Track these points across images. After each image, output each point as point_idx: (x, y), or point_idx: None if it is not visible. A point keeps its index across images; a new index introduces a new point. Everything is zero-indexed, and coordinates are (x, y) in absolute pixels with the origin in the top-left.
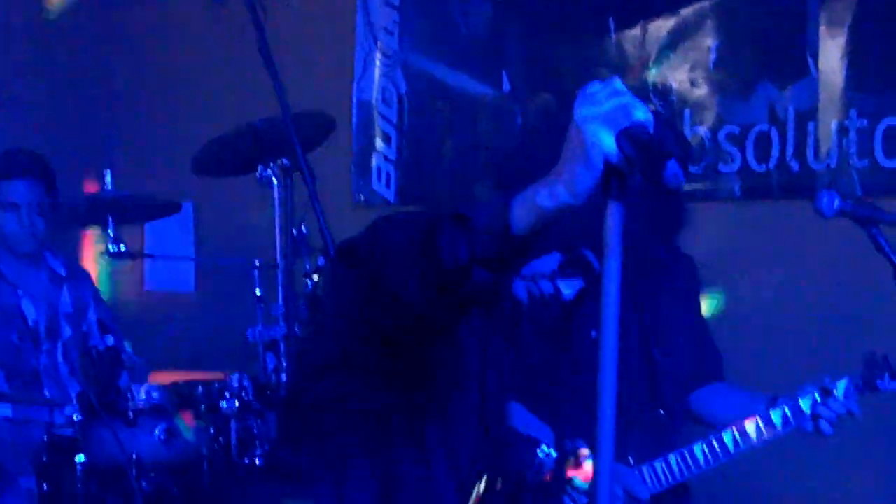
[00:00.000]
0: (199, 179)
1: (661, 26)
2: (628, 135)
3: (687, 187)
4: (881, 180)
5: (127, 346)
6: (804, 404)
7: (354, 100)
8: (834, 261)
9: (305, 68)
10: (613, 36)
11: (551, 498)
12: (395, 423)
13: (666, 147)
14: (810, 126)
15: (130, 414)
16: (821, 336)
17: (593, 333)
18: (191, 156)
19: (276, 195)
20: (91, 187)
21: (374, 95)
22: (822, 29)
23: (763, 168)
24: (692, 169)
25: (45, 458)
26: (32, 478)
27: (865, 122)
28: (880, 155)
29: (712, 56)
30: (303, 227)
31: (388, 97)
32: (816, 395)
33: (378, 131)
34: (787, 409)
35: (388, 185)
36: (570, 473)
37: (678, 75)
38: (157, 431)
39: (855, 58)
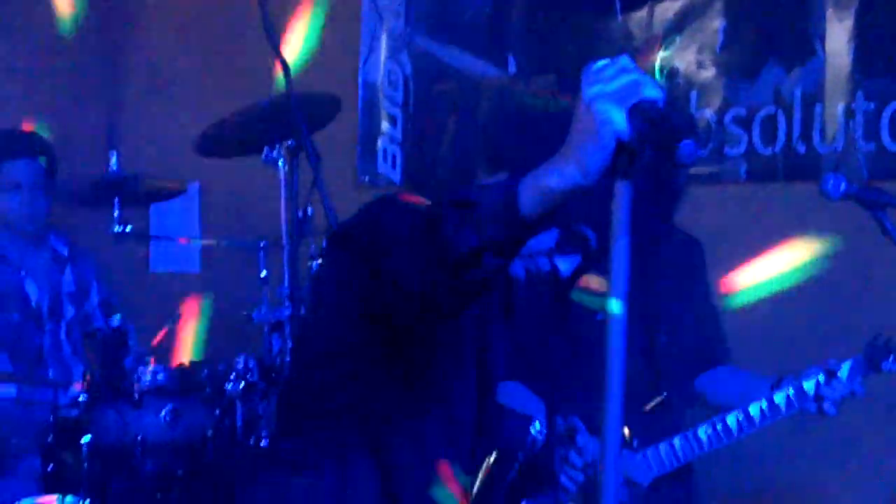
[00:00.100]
0: (205, 160)
1: (668, 8)
2: (640, 112)
3: (692, 170)
4: (887, 163)
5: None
6: (808, 386)
7: (360, 81)
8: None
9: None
10: (620, 17)
11: (546, 474)
12: (395, 408)
13: (680, 123)
14: (817, 109)
15: (136, 395)
16: (825, 318)
17: (599, 315)
18: (196, 137)
19: (281, 176)
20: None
21: (380, 77)
22: (829, 12)
23: (769, 151)
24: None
25: (50, 439)
26: (37, 458)
27: (872, 105)
28: (887, 138)
29: (719, 38)
30: (308, 209)
31: (394, 79)
32: (820, 376)
33: (384, 113)
34: (791, 391)
35: (393, 166)
36: (565, 449)
37: (685, 57)
38: (162, 413)
39: (862, 41)
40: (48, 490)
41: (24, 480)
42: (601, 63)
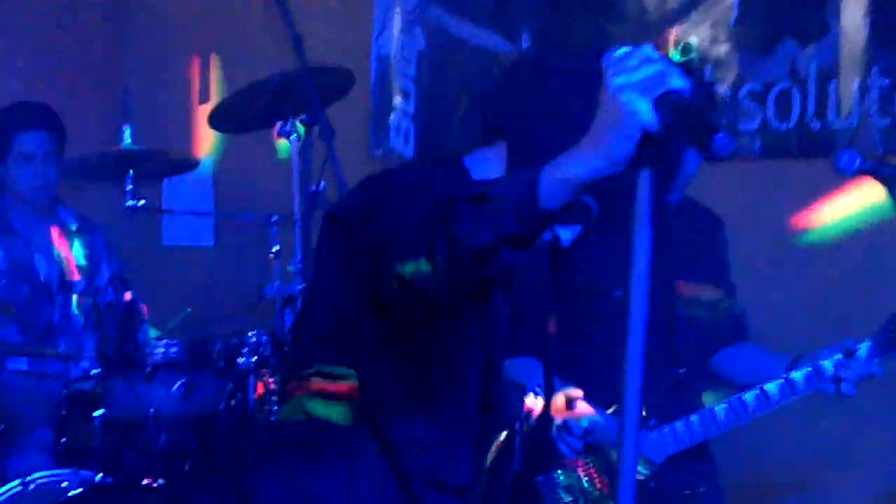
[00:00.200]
0: (219, 135)
1: None
2: (666, 103)
3: None
4: None
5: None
6: (827, 366)
7: (374, 55)
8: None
9: (324, 23)
10: None
11: (545, 443)
12: (399, 387)
13: (709, 115)
14: (832, 84)
15: (149, 369)
16: (840, 294)
17: (617, 293)
18: (209, 112)
19: (294, 150)
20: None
21: (394, 51)
22: None
23: (784, 127)
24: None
25: (63, 412)
26: (49, 430)
27: (887, 81)
28: None
29: (733, 13)
30: (321, 183)
31: (408, 53)
32: (839, 356)
33: (397, 87)
34: (809, 371)
35: (406, 140)
36: (563, 417)
37: (699, 32)
38: (175, 387)
39: (877, 16)
40: (61, 463)
41: (36, 454)
42: (623, 50)
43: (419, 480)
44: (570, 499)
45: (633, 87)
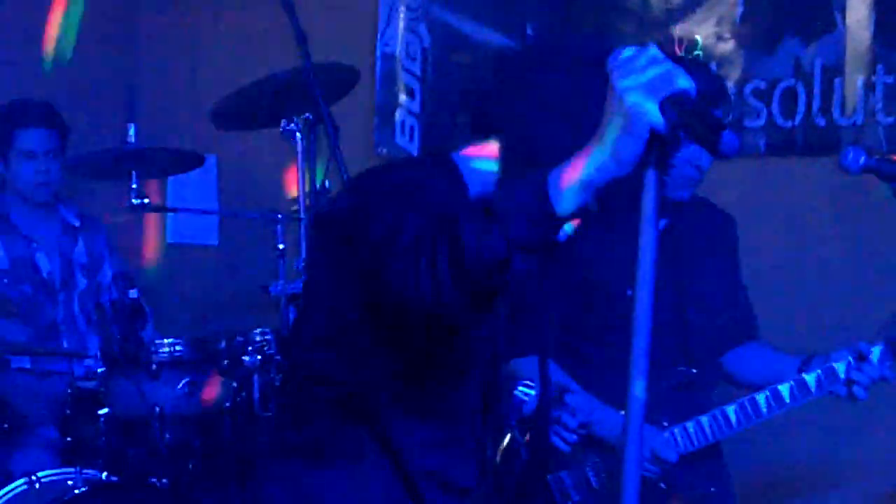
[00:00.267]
0: (223, 132)
1: None
2: (673, 103)
3: None
4: None
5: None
6: (839, 369)
7: (378, 52)
8: (859, 218)
9: (329, 20)
10: None
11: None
12: (401, 388)
13: (715, 114)
14: (837, 82)
15: (154, 367)
16: (845, 293)
17: (630, 292)
18: (213, 109)
19: (299, 148)
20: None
21: (398, 48)
22: None
23: (789, 124)
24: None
25: (68, 411)
26: (53, 429)
27: (892, 78)
28: None
29: (739, 10)
30: (325, 181)
31: (412, 50)
32: (851, 359)
33: (401, 84)
34: (821, 373)
35: (411, 138)
36: (556, 411)
37: (704, 29)
38: (179, 385)
39: (882, 13)
40: (65, 462)
41: (41, 452)
42: (628, 52)
43: (424, 481)
44: (579, 498)
45: (640, 88)
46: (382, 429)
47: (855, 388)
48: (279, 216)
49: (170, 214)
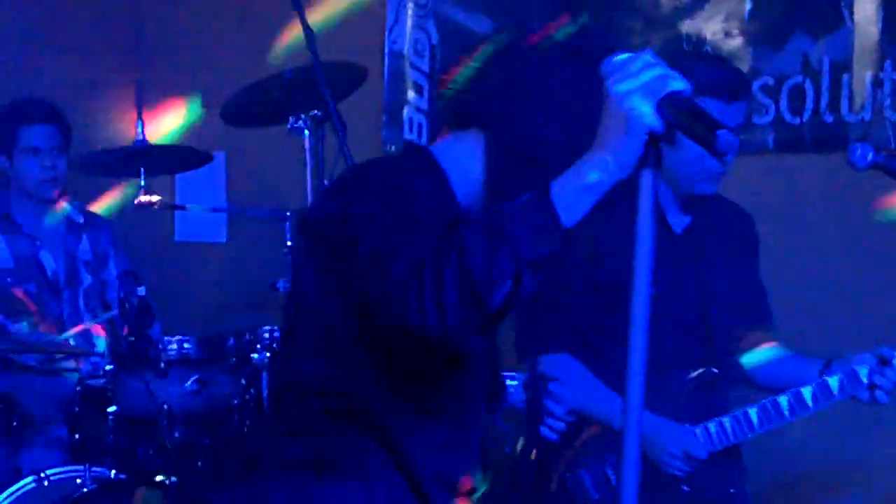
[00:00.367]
0: (231, 130)
1: None
2: (668, 105)
3: None
4: None
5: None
6: (862, 373)
7: (386, 50)
8: (867, 214)
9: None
10: None
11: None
12: (402, 397)
13: (711, 115)
14: (845, 78)
15: (162, 365)
16: (854, 290)
17: (651, 290)
18: (222, 106)
19: (307, 145)
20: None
21: (406, 45)
22: None
23: (797, 120)
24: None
25: (76, 409)
26: (62, 427)
27: None
28: None
29: (746, 7)
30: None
31: (420, 47)
32: (873, 363)
33: (410, 82)
34: (843, 377)
35: (419, 135)
36: (542, 399)
37: (712, 26)
38: (188, 382)
39: (890, 9)
40: (74, 460)
41: (50, 450)
42: (623, 56)
43: (430, 483)
44: (598, 496)
45: (635, 91)
46: (385, 435)
47: (877, 393)
48: (287, 214)
49: (178, 212)
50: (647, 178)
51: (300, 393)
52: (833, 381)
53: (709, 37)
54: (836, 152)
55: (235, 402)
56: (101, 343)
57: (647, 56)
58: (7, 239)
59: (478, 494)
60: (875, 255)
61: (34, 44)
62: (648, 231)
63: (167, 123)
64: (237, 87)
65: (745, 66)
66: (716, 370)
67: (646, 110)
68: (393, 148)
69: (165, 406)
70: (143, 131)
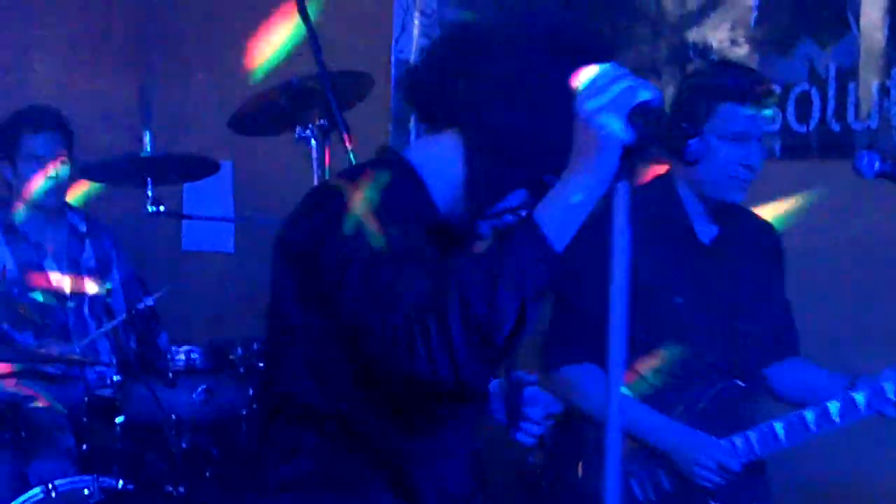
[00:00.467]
0: (239, 139)
1: None
2: (638, 116)
3: None
4: None
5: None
6: (888, 389)
7: (393, 59)
8: (875, 222)
9: (344, 26)
10: None
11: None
12: (392, 414)
13: (682, 122)
14: (851, 86)
15: (170, 374)
16: (860, 298)
17: (678, 300)
18: (229, 116)
19: (314, 155)
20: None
21: (413, 54)
22: None
23: (803, 128)
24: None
25: (84, 419)
26: (70, 436)
27: None
28: None
29: (753, 14)
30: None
31: None
32: None
33: None
34: (869, 393)
35: None
36: (516, 404)
37: (718, 34)
38: (196, 392)
39: None
40: (82, 470)
41: (58, 460)
42: (588, 73)
43: (428, 493)
44: None
45: (604, 108)
46: (381, 453)
47: None
48: None
49: (185, 221)
50: (622, 190)
51: (292, 416)
52: (860, 397)
53: (715, 44)
54: (842, 160)
55: (243, 411)
56: (106, 350)
57: (612, 69)
58: (11, 248)
59: None
60: (882, 264)
61: (39, 51)
62: (625, 242)
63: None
64: (244, 95)
65: None
66: (742, 383)
67: (616, 125)
68: None
69: (173, 415)
70: (149, 141)
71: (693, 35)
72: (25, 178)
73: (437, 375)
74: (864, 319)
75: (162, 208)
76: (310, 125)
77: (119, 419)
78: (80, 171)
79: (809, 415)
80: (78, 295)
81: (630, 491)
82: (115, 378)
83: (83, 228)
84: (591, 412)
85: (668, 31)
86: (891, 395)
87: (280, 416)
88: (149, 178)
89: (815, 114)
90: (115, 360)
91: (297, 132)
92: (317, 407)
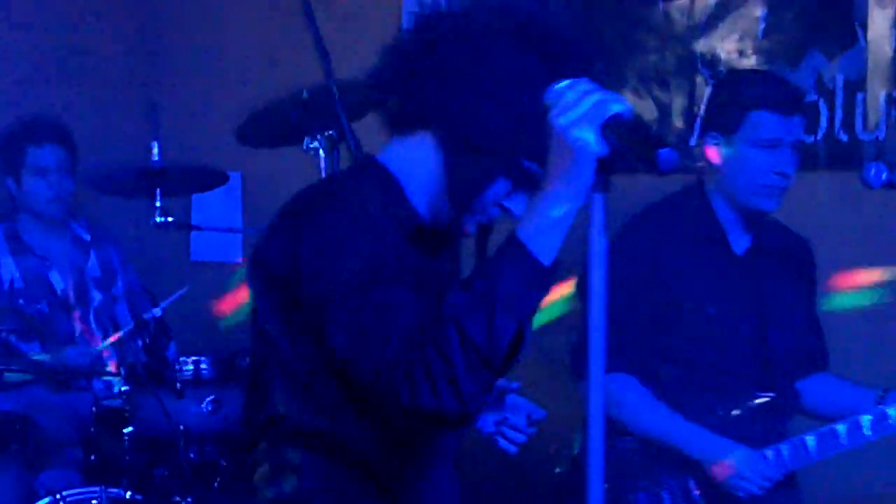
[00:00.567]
0: (247, 150)
1: None
2: (610, 128)
3: None
4: None
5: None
6: None
7: None
8: (882, 233)
9: (352, 37)
10: (661, 4)
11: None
12: (379, 434)
13: (653, 132)
14: (859, 97)
15: (178, 385)
16: (868, 310)
17: (711, 310)
18: (237, 127)
19: (322, 165)
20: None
21: None
22: None
23: (811, 139)
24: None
25: (92, 430)
26: (78, 448)
27: None
28: None
29: (760, 25)
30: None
31: None
32: None
33: None
34: None
35: None
36: (497, 412)
37: (726, 45)
38: (204, 403)
39: None
40: (90, 481)
41: (66, 471)
42: (561, 86)
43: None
44: None
45: (577, 122)
46: (369, 468)
47: None
48: None
49: (194, 232)
50: (597, 202)
51: (282, 435)
52: (892, 411)
53: (723, 55)
54: (850, 171)
55: None
56: (111, 356)
57: (583, 84)
58: (16, 259)
59: None
60: (890, 274)
61: (46, 61)
62: (601, 254)
63: None
64: (252, 107)
65: None
66: (773, 395)
67: (590, 138)
68: None
69: (181, 426)
70: (158, 152)
71: (701, 46)
72: (30, 190)
73: (443, 408)
74: (871, 327)
75: (170, 219)
76: (318, 136)
77: (127, 430)
78: (89, 182)
79: (841, 428)
80: (84, 305)
81: (661, 502)
82: (123, 388)
83: (87, 238)
84: (625, 422)
85: (675, 42)
86: None
87: (269, 435)
88: (157, 189)
89: (823, 124)
90: (122, 371)
91: (305, 143)
92: (307, 426)
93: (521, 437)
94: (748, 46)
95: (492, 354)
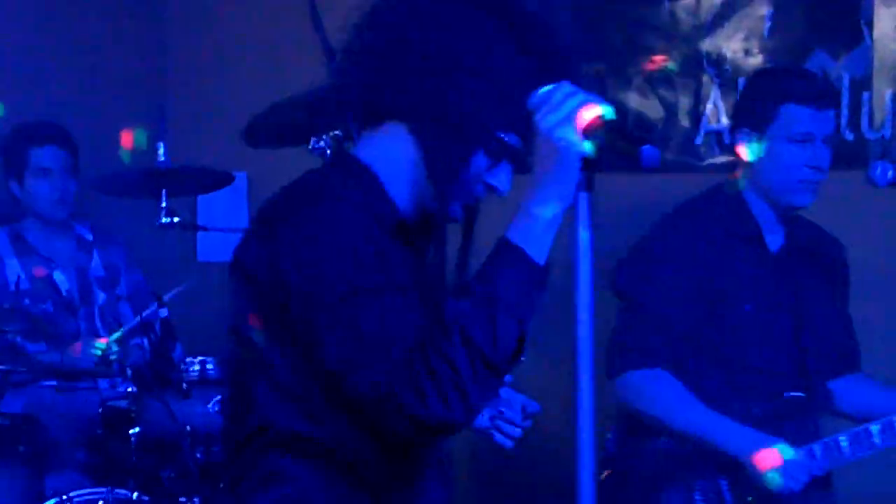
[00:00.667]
0: (253, 150)
1: None
2: (594, 129)
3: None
4: None
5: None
6: None
7: None
8: (888, 231)
9: None
10: (667, 4)
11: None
12: (371, 439)
13: (634, 131)
14: (865, 96)
15: (184, 386)
16: (875, 307)
17: (747, 307)
18: (243, 127)
19: None
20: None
21: None
22: None
23: None
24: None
25: (99, 431)
26: (84, 449)
27: None
28: None
29: (766, 24)
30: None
31: None
32: None
33: None
34: None
35: None
36: (492, 407)
37: (732, 44)
38: (211, 403)
39: None
40: (97, 482)
41: (73, 472)
42: (544, 90)
43: None
44: None
45: (561, 123)
46: (358, 473)
47: None
48: None
49: (200, 233)
50: (582, 201)
51: (268, 442)
52: None
53: (729, 55)
54: (856, 170)
55: None
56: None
57: (566, 86)
58: (21, 261)
59: None
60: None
61: (52, 62)
62: (587, 249)
63: None
64: (258, 107)
65: None
66: (803, 394)
67: (573, 138)
68: None
69: (188, 427)
70: (164, 152)
71: (706, 45)
72: (33, 192)
73: (452, 415)
74: (879, 327)
75: (176, 220)
76: (324, 136)
77: (133, 431)
78: (95, 184)
79: (875, 428)
80: (89, 305)
81: (693, 503)
82: (130, 389)
83: (90, 238)
84: (661, 417)
85: (681, 41)
86: None
87: (255, 442)
88: (163, 190)
89: None
90: (128, 371)
91: (311, 143)
92: (295, 433)
93: (516, 432)
94: (754, 46)
95: (497, 358)
